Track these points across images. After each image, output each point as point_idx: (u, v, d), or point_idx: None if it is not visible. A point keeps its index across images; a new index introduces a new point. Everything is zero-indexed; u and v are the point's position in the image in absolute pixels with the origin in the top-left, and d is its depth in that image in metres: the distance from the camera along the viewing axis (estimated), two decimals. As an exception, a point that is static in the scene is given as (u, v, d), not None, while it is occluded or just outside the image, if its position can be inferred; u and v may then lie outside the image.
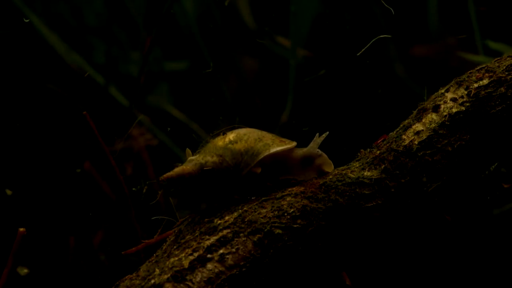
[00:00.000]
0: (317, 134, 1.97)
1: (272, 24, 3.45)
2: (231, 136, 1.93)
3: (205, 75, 3.39)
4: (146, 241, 2.12)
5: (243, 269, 1.78)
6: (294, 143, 1.96)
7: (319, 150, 1.97)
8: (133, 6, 3.29)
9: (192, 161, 1.90)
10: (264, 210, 1.85)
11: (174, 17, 3.33)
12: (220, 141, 1.92)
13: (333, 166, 1.98)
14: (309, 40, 3.25)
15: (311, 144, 1.97)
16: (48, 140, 3.13)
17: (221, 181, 1.90)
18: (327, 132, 1.97)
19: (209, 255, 1.78)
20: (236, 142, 1.91)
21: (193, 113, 3.37)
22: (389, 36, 2.12)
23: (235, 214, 1.86)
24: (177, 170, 1.89)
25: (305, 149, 1.97)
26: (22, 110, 3.11)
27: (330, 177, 1.94)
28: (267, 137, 1.95)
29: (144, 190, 2.10)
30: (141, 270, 1.83)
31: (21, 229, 2.14)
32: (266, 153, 1.91)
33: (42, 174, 3.09)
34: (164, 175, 1.89)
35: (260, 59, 3.57)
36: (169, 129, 2.02)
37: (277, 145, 1.93)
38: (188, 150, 1.95)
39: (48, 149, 3.11)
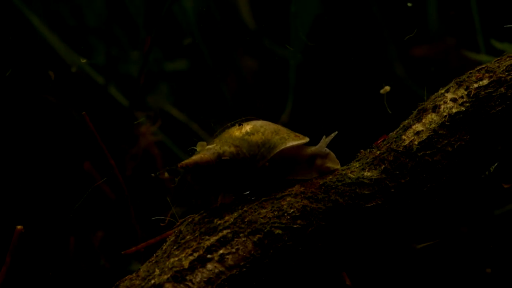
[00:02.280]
0: (324, 136, 1.98)
1: (272, 24, 3.45)
2: (247, 127, 1.93)
3: (205, 75, 3.38)
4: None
5: (243, 269, 1.78)
6: (307, 138, 1.96)
7: (327, 149, 1.98)
8: (133, 6, 3.29)
9: (210, 150, 1.90)
10: (264, 210, 1.85)
11: (174, 17, 3.33)
12: (237, 132, 1.93)
13: (340, 165, 1.99)
14: (309, 40, 3.25)
15: (320, 143, 1.97)
16: (48, 140, 3.13)
17: (237, 172, 1.90)
18: (336, 132, 1.98)
19: (209, 255, 1.78)
20: (253, 134, 1.92)
21: (193, 113, 3.37)
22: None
23: (235, 214, 1.86)
24: (195, 158, 1.89)
25: (313, 148, 1.97)
26: (22, 111, 3.11)
27: (330, 177, 1.94)
28: (283, 130, 1.96)
29: (166, 175, 2.09)
30: (141, 270, 1.82)
31: (19, 227, 2.14)
32: (283, 146, 1.91)
33: (42, 174, 3.09)
34: (183, 162, 1.89)
35: (260, 59, 3.57)
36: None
37: (293, 139, 1.93)
38: (201, 142, 1.94)
39: (48, 149, 3.11)
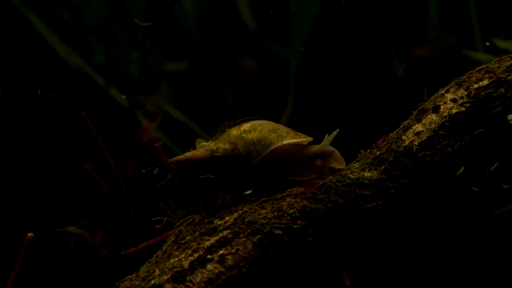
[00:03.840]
0: (327, 135, 1.97)
1: (272, 25, 3.45)
2: (245, 126, 1.92)
3: (205, 75, 3.39)
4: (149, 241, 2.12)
5: (243, 270, 1.78)
6: (309, 138, 1.95)
7: (331, 147, 1.97)
8: (133, 6, 3.29)
9: (204, 147, 1.89)
10: (264, 211, 1.85)
11: (174, 17, 3.33)
12: (234, 130, 1.92)
13: (345, 163, 1.98)
14: (309, 40, 3.25)
15: (323, 142, 1.96)
16: (48, 140, 3.13)
17: (232, 169, 1.90)
18: (338, 130, 1.97)
19: (209, 256, 1.78)
20: (250, 132, 1.90)
21: (193, 113, 3.37)
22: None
23: (235, 214, 1.85)
24: (188, 154, 1.88)
25: (317, 146, 1.96)
26: (22, 112, 3.11)
27: (330, 177, 1.93)
28: (282, 129, 1.94)
29: (155, 172, 2.09)
30: (141, 270, 1.82)
31: (30, 234, 2.11)
32: (279, 143, 1.89)
33: (42, 175, 3.09)
34: (174, 158, 1.88)
35: (260, 59, 3.57)
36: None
37: (292, 138, 1.92)
38: (200, 140, 1.94)
39: (48, 149, 3.11)
